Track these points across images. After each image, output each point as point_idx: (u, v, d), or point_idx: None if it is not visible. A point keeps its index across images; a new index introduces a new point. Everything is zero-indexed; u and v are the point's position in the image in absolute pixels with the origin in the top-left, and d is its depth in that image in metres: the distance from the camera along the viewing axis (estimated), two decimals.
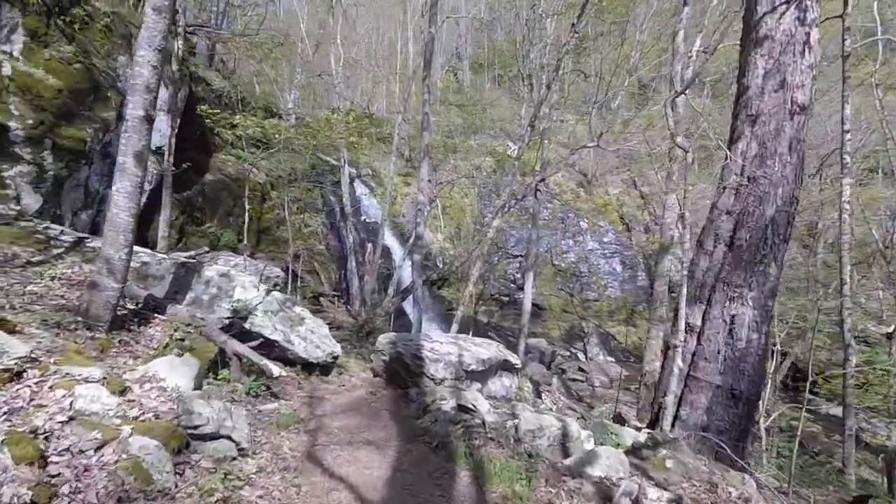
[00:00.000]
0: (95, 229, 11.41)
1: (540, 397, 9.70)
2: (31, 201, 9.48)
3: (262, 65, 19.37)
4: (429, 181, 25.43)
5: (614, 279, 25.12)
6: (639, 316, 23.89)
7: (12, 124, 9.44)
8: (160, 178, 13.15)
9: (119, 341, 4.04)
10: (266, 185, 16.55)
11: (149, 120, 4.14)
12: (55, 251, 5.15)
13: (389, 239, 21.51)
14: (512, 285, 25.25)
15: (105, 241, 4.06)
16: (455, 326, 11.36)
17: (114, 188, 4.04)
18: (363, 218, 22.05)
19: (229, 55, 18.73)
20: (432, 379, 6.29)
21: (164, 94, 12.81)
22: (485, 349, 7.34)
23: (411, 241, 10.46)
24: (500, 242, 23.58)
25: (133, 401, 3.03)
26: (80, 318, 3.93)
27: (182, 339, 4.55)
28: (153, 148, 12.79)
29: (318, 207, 19.15)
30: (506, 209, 11.89)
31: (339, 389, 6.73)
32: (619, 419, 7.71)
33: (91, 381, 2.91)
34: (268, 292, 6.32)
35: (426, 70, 10.60)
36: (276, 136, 9.41)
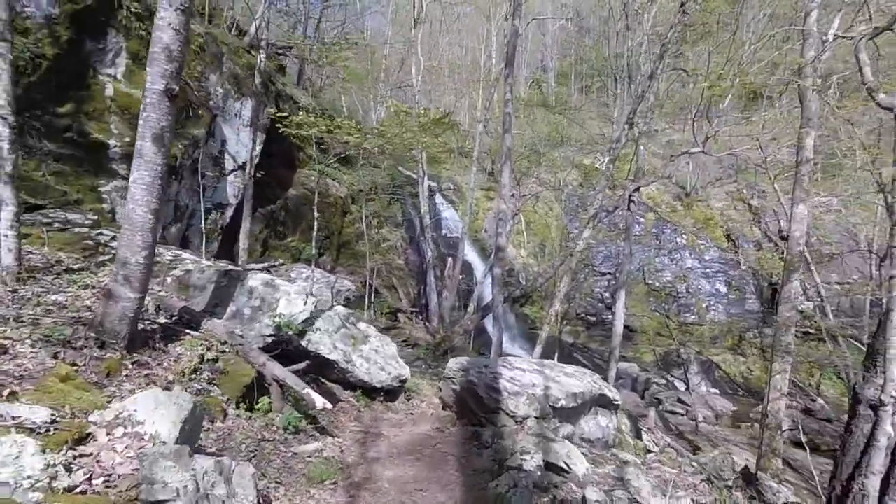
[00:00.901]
0: (186, 243, 11.50)
1: (640, 437, 8.05)
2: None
3: (349, 84, 19.37)
4: (512, 194, 24.27)
5: (718, 301, 22.15)
6: (749, 344, 20.79)
7: (111, 142, 9.67)
8: (244, 192, 13.18)
9: (135, 363, 3.34)
10: (347, 198, 16.28)
11: (170, 95, 3.46)
12: (101, 258, 4.73)
13: (470, 254, 20.54)
14: (599, 304, 23.16)
15: (121, 241, 3.41)
16: (539, 348, 10.00)
17: (131, 179, 3.39)
18: (444, 232, 21.31)
19: (317, 75, 19.02)
20: (512, 416, 5.05)
21: (247, 108, 12.85)
22: (577, 380, 5.97)
23: (493, 255, 9.35)
24: (588, 259, 21.72)
25: (86, 457, 2.20)
26: (93, 334, 3.27)
27: (215, 360, 3.77)
28: (241, 163, 12.82)
29: (398, 221, 18.66)
30: (597, 220, 10.41)
31: (403, 420, 5.68)
32: (747, 475, 5.93)
33: (25, 428, 2.12)
34: (327, 306, 5.47)
35: (508, 67, 9.55)
36: (339, 134, 8.77)
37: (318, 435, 4.09)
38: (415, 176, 19.13)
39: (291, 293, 4.74)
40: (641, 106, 12.67)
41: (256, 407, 3.91)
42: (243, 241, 10.37)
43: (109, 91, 9.95)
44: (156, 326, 3.95)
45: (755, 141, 18.41)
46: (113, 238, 4.89)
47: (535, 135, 24.93)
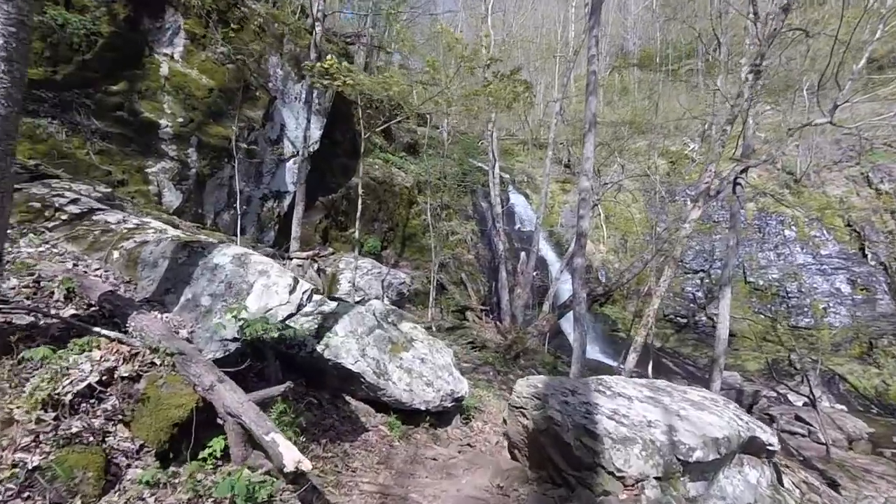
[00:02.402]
0: (241, 232, 10.43)
1: (781, 480, 5.59)
2: (173, 198, 8.61)
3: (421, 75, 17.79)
4: (589, 184, 21.59)
5: (839, 302, 18.08)
6: (883, 353, 16.66)
7: (163, 122, 8.77)
8: (306, 179, 12.01)
9: None
10: (413, 189, 14.73)
11: None
12: (45, 222, 3.38)
13: (545, 249, 18.29)
14: (692, 305, 19.85)
15: None
16: (633, 357, 7.71)
17: None
18: (517, 226, 19.22)
19: (386, 65, 17.73)
20: (619, 477, 2.98)
21: (307, 89, 11.63)
22: (713, 415, 3.81)
23: (572, 246, 7.24)
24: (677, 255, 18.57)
25: None
26: None
27: (133, 379, 2.12)
28: (298, 149, 11.66)
29: (468, 214, 16.85)
30: (704, 202, 7.93)
31: (453, 460, 3.82)
32: None
33: None
34: (352, 301, 3.81)
35: (594, 16, 7.40)
36: (387, 90, 7.10)
37: None
38: (485, 167, 17.22)
39: (272, 274, 3.11)
40: (749, 76, 9.74)
41: (201, 456, 2.25)
42: (295, 230, 9.10)
43: (164, 70, 9.09)
44: (52, 321, 2.46)
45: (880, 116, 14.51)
46: (74, 201, 3.61)
47: (619, 119, 21.99)
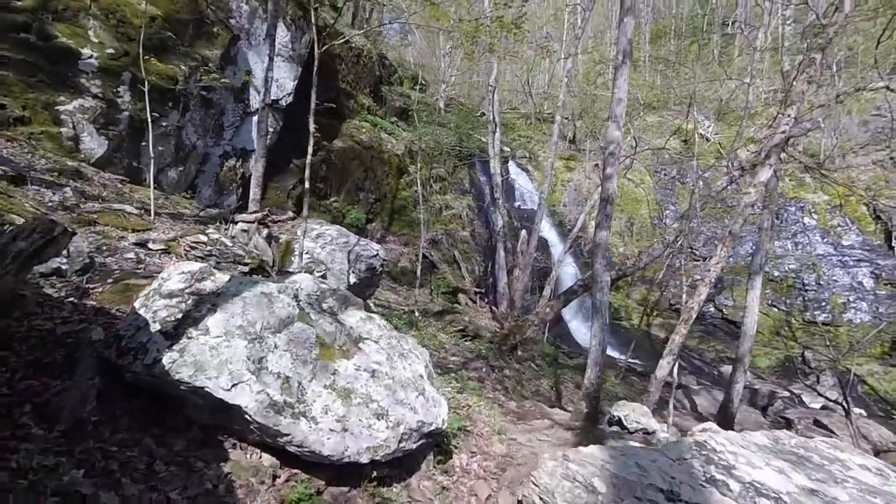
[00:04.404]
0: (192, 191, 8.58)
1: None
2: (95, 145, 6.74)
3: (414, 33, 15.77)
4: (595, 165, 19.73)
5: (860, 297, 16.42)
6: None
7: (86, 51, 6.85)
8: (278, 138, 10.13)
9: None
10: (404, 157, 12.84)
11: None
12: None
13: (547, 230, 16.47)
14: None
15: None
16: (668, 362, 5.96)
17: None
18: (517, 203, 17.38)
19: (377, 16, 15.62)
20: None
21: (282, 34, 9.65)
22: None
23: (598, 211, 5.43)
24: (687, 241, 16.83)
25: None
26: None
27: None
28: (269, 101, 9.73)
29: (464, 188, 14.97)
30: (772, 159, 6.13)
31: None
32: None
33: None
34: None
35: None
36: None
37: None
38: (484, 140, 15.27)
39: None
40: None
41: None
42: (254, 190, 7.27)
43: None
44: None
45: None
46: None
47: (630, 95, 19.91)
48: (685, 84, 21.27)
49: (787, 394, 14.75)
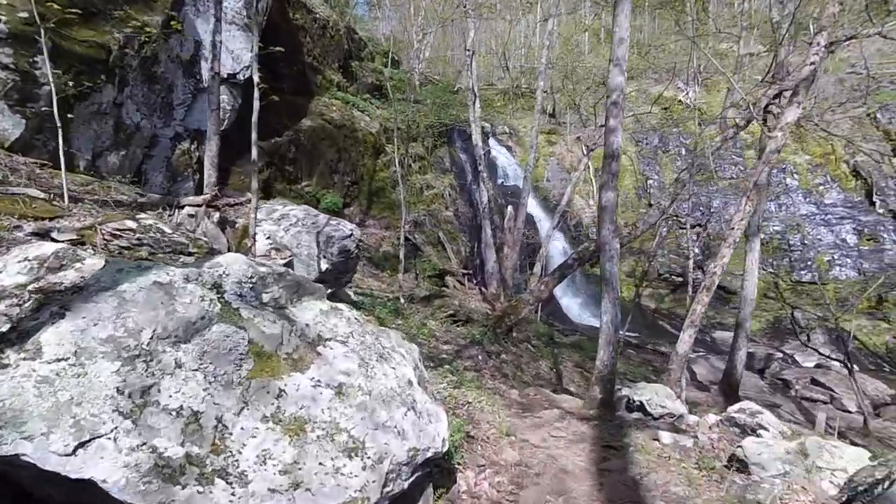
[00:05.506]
0: (139, 178, 7.50)
1: None
2: (9, 125, 5.64)
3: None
4: (578, 137, 18.94)
5: (844, 254, 16.19)
6: (894, 306, 14.87)
7: None
8: (237, 117, 9.07)
9: None
10: (380, 136, 11.83)
11: None
12: None
13: (532, 205, 15.71)
14: (687, 262, 17.65)
15: None
16: (689, 335, 5.26)
17: None
18: (500, 181, 16.54)
19: None
20: None
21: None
22: None
23: (603, 168, 4.57)
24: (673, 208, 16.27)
25: None
26: None
27: None
28: (225, 75, 8.66)
29: (444, 167, 14.06)
30: (801, 96, 5.42)
31: None
32: None
33: None
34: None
35: None
36: None
37: None
38: (462, 116, 14.30)
39: None
40: None
41: None
42: (209, 172, 6.28)
43: None
44: None
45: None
46: None
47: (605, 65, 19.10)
48: (665, 52, 20.56)
49: (780, 355, 14.48)
